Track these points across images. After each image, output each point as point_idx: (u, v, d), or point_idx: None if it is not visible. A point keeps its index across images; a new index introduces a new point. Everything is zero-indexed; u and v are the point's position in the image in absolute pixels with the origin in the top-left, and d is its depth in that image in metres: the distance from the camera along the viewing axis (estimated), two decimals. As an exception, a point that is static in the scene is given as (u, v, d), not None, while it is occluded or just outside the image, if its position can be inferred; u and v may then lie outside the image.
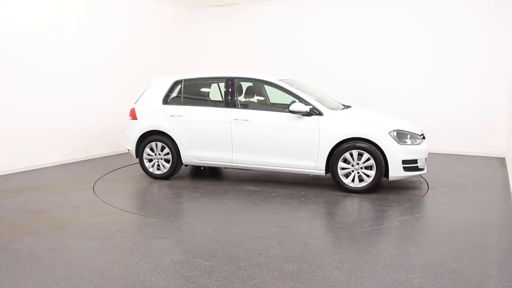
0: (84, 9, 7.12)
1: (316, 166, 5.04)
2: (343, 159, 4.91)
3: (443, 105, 7.60)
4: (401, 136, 4.85)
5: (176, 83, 5.88)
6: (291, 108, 5.03)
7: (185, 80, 5.87)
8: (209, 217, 4.18)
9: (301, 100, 5.12)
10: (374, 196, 4.79)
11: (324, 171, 5.04)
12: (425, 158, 5.01)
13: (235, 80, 5.54)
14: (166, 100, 5.82)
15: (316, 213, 4.30)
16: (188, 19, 9.55)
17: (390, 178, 4.83)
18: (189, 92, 5.91)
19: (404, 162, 4.79)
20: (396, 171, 4.80)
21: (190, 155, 5.63)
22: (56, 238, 3.58)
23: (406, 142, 4.84)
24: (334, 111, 5.16)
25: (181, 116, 5.65)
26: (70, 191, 5.12)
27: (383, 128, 4.88)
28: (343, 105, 5.74)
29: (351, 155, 4.87)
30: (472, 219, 4.01)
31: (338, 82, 8.05)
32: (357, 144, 4.83)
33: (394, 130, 4.86)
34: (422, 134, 5.14)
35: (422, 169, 4.98)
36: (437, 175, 5.80)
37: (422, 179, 5.60)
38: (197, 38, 9.78)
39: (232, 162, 5.44)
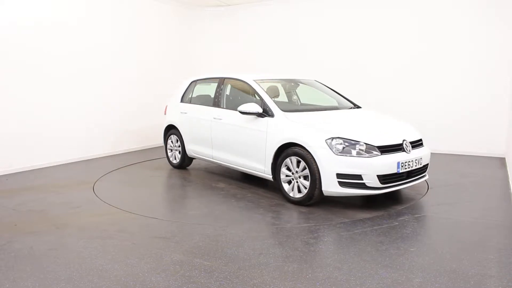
0: (84, 10, 7.11)
1: (265, 170, 4.81)
2: (285, 165, 4.54)
3: (443, 105, 7.60)
4: (347, 145, 4.16)
5: (192, 83, 6.40)
6: (239, 108, 4.94)
7: (197, 80, 6.36)
8: (132, 203, 4.33)
9: (261, 100, 4.96)
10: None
11: (271, 176, 4.75)
12: (392, 174, 4.17)
13: (224, 80, 5.80)
14: (182, 98, 6.42)
15: (211, 215, 4.22)
16: (188, 19, 9.56)
17: (324, 193, 4.23)
18: (197, 91, 6.35)
19: (339, 176, 4.10)
20: (329, 185, 4.15)
21: (190, 149, 6.13)
22: (56, 238, 3.58)
23: (351, 153, 4.12)
24: (288, 113, 4.73)
25: (186, 113, 6.20)
26: (70, 191, 5.12)
27: (323, 134, 4.26)
28: (354, 106, 5.53)
29: (292, 162, 4.47)
30: (472, 219, 4.01)
31: (338, 81, 8.02)
32: (295, 150, 4.40)
33: (334, 138, 4.19)
34: (400, 145, 4.34)
35: (373, 188, 4.13)
36: (437, 175, 5.79)
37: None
38: (197, 38, 9.78)
39: (212, 158, 5.74)
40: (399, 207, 4.39)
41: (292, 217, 4.16)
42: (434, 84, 7.66)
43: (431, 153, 6.88)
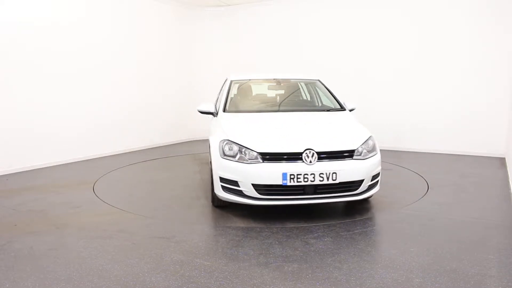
0: (84, 10, 7.12)
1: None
2: None
3: (444, 105, 7.60)
4: (236, 149, 3.92)
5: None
6: (197, 108, 5.03)
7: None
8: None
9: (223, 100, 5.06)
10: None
11: None
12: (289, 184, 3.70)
13: (227, 79, 5.86)
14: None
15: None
16: (188, 19, 9.56)
17: (218, 196, 4.12)
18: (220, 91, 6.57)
19: (221, 179, 3.96)
20: (217, 188, 4.04)
21: None
22: (56, 238, 3.58)
23: (235, 158, 3.89)
24: (227, 113, 4.71)
25: None
26: (70, 191, 5.12)
27: (220, 136, 4.15)
28: (340, 108, 5.03)
29: None
30: (472, 219, 4.01)
31: (337, 81, 8.03)
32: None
33: (225, 140, 4.03)
34: (299, 155, 3.79)
35: (251, 198, 3.81)
36: (437, 175, 5.80)
37: (422, 179, 5.60)
38: (197, 38, 9.78)
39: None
40: (399, 207, 4.39)
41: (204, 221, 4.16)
42: (434, 84, 7.66)
43: (431, 153, 6.84)
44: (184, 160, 7.33)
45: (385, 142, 8.10)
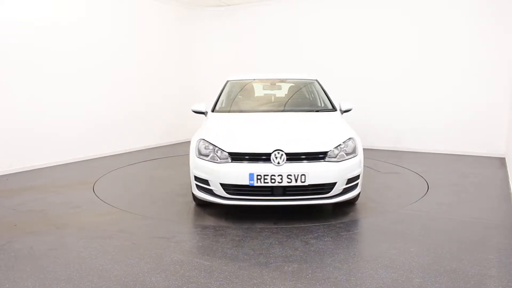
0: (84, 10, 7.12)
1: None
2: None
3: (444, 105, 7.61)
4: (210, 148, 3.95)
5: None
6: (191, 107, 5.04)
7: None
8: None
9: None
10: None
11: None
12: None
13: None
14: None
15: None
16: (188, 19, 9.56)
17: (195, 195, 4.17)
18: None
19: (196, 178, 4.01)
20: (193, 187, 4.09)
21: None
22: (56, 238, 3.58)
23: (207, 157, 3.91)
24: (216, 113, 4.80)
25: None
26: (70, 191, 5.12)
27: (198, 135, 4.20)
28: (332, 109, 4.92)
29: None
30: (472, 219, 4.01)
31: (337, 81, 8.04)
32: None
33: (200, 139, 4.07)
34: (269, 155, 3.73)
35: (221, 197, 3.83)
36: (437, 175, 5.80)
37: (422, 179, 5.60)
38: (197, 38, 9.79)
39: None
40: (399, 207, 4.39)
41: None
42: (434, 84, 7.66)
43: (431, 153, 6.84)
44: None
45: (385, 142, 8.12)
